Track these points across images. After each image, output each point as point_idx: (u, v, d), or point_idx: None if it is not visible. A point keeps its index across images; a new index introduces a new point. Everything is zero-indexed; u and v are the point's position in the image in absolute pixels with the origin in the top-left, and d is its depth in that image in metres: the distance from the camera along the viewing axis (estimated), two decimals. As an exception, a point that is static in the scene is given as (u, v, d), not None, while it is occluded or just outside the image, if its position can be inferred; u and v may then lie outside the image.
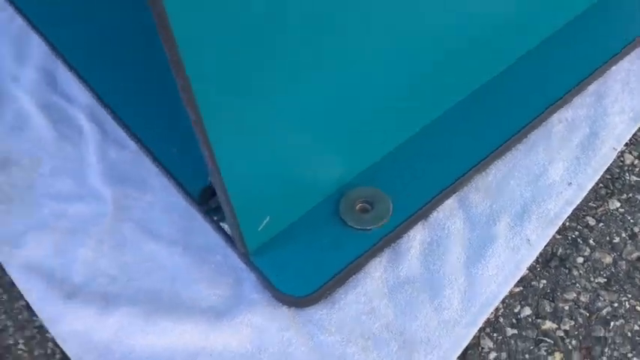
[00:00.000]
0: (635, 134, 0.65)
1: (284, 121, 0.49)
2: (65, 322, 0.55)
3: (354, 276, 0.56)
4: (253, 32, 0.42)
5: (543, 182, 0.61)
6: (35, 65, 0.75)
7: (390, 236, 0.57)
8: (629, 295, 0.55)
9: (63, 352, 0.55)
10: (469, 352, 0.53)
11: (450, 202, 0.60)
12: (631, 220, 0.59)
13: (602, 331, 0.53)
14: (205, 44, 0.40)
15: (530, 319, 0.55)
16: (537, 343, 0.53)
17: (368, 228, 0.57)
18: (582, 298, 0.55)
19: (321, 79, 0.49)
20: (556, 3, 0.66)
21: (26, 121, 0.70)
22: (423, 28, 0.54)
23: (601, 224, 0.59)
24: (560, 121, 0.65)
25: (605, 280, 0.56)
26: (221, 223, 0.58)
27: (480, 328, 0.54)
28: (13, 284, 0.59)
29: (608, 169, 0.62)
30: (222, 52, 0.41)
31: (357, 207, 0.58)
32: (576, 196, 0.60)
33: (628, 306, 0.55)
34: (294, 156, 0.53)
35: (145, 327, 0.54)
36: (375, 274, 0.57)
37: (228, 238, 0.58)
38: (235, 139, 0.47)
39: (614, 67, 0.68)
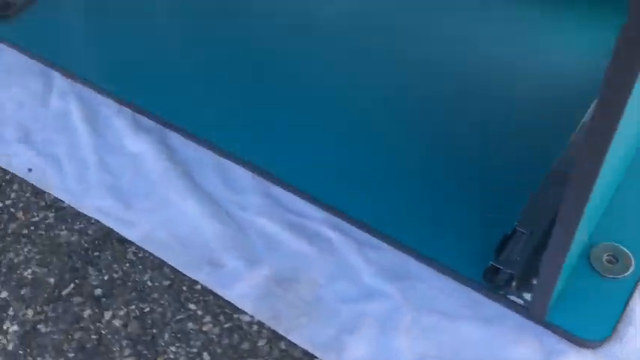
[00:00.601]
0: None
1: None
2: (424, 400, 0.68)
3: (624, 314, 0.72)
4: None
5: None
6: (251, 190, 0.86)
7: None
8: None
9: None
10: None
11: (658, 241, 0.77)
12: None
13: None
14: None
15: None
16: None
17: (620, 276, 0.73)
18: None
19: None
20: None
21: (277, 242, 0.81)
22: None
23: None
24: None
25: None
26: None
27: None
28: (354, 380, 0.71)
29: None
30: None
31: (605, 260, 0.74)
32: None
33: None
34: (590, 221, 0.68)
35: (492, 388, 0.68)
36: (637, 309, 0.73)
37: (516, 306, 0.72)
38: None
39: None
